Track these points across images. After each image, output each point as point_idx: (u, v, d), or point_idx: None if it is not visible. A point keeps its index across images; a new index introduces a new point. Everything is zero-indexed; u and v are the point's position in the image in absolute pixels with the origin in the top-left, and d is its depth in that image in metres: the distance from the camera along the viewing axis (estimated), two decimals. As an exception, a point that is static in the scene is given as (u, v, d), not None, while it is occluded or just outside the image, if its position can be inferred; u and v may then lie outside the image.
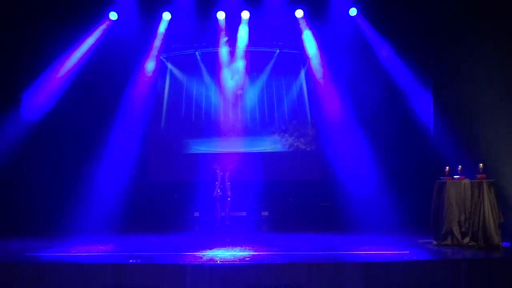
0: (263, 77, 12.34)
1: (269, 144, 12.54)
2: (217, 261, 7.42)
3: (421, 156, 11.10)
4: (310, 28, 11.75)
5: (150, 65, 11.86)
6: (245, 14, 11.62)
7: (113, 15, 11.42)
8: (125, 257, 7.74)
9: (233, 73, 11.98)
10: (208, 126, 12.50)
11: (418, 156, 11.17)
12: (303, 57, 12.00)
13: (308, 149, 12.55)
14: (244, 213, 12.17)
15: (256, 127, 12.53)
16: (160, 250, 8.49)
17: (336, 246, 8.76)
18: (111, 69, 11.51)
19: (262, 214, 12.23)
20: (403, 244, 8.78)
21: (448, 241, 8.62)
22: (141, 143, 12.00)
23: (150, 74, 11.85)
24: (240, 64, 11.94)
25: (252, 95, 12.26)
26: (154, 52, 11.82)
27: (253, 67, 12.11)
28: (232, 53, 11.95)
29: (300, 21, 11.76)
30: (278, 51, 12.31)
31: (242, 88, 12.12)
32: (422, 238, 9.24)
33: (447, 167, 8.97)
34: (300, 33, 11.80)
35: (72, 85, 11.30)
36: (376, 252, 8.16)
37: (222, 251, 8.23)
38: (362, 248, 8.50)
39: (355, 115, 11.57)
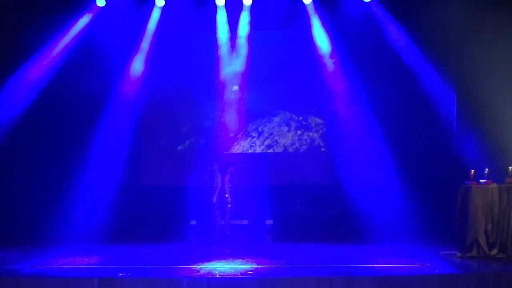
0: (268, 67, 12.33)
1: (272, 143, 12.57)
2: (216, 275, 7.43)
3: (444, 158, 11.09)
4: (319, 16, 11.75)
5: (141, 58, 11.85)
6: (247, 0, 11.63)
7: (100, 1, 11.41)
8: (114, 271, 7.73)
9: (233, 65, 11.99)
10: (206, 124, 12.51)
11: (441, 158, 11.15)
12: (311, 47, 11.97)
13: (317, 149, 12.55)
14: (246, 221, 12.17)
15: (258, 123, 12.55)
16: (152, 263, 8.51)
17: (348, 258, 8.77)
18: (99, 63, 11.49)
19: (266, 223, 12.22)
20: (424, 256, 8.78)
21: (474, 253, 8.60)
22: (131, 144, 12.01)
23: (141, 68, 11.84)
24: (240, 54, 11.94)
25: (254, 87, 12.26)
26: (146, 42, 11.81)
27: (256, 57, 12.10)
28: (232, 43, 11.96)
29: (308, 8, 11.75)
30: (283, 40, 12.32)
31: (238, 84, 12.12)
32: (444, 249, 9.24)
33: (473, 171, 8.95)
34: (308, 20, 11.80)
35: (54, 81, 11.30)
36: (393, 264, 8.17)
37: (222, 263, 8.24)
38: (377, 260, 8.51)
39: (370, 112, 11.56)
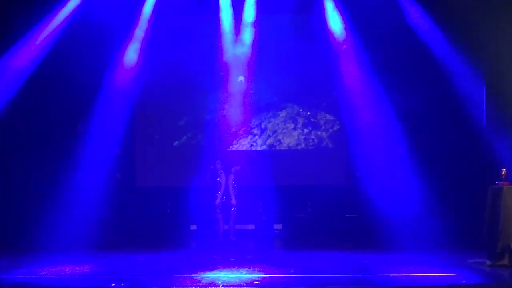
0: (276, 55, 12.29)
1: (274, 143, 12.57)
2: (219, 285, 7.41)
3: (472, 156, 11.08)
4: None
5: (135, 45, 11.84)
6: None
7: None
8: (106, 281, 7.73)
9: (237, 53, 11.98)
10: (206, 117, 12.52)
11: (468, 156, 11.15)
12: (324, 33, 11.94)
13: (331, 146, 12.53)
14: (252, 226, 12.17)
15: (262, 118, 12.54)
16: (149, 272, 8.51)
17: (366, 267, 8.75)
18: (89, 51, 11.52)
19: (274, 227, 12.22)
20: (449, 264, 8.75)
21: (505, 261, 8.56)
22: (125, 140, 12.01)
23: (135, 57, 11.83)
24: (245, 41, 11.93)
25: (260, 77, 12.24)
26: (141, 28, 11.80)
27: (262, 44, 12.07)
28: (237, 28, 11.94)
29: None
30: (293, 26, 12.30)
31: (244, 74, 12.11)
32: (472, 257, 9.21)
33: (504, 170, 8.93)
34: (321, 3, 11.77)
35: (39, 71, 11.27)
36: (415, 274, 8.14)
37: (225, 273, 8.24)
38: (398, 269, 8.49)
39: (389, 106, 11.53)
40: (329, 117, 12.61)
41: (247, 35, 11.91)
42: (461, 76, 11.28)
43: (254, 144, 12.64)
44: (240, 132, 12.52)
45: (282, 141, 12.62)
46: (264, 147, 12.62)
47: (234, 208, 11.13)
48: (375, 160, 11.50)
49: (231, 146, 12.54)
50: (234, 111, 12.25)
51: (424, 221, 10.66)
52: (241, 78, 12.08)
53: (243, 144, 12.62)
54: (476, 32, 10.85)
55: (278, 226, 12.21)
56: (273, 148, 12.61)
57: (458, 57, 11.18)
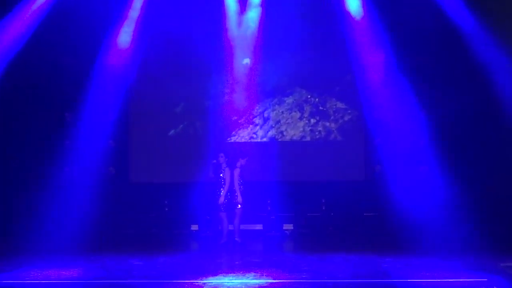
0: (284, 35, 12.26)
1: (276, 134, 12.56)
2: (223, 292, 7.41)
3: (504, 153, 11.03)
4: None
5: (129, 25, 11.83)
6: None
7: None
8: (98, 287, 7.73)
9: (242, 32, 11.97)
10: (208, 105, 12.52)
11: (500, 153, 11.14)
12: (339, 11, 11.90)
13: (339, 139, 12.50)
14: (259, 226, 12.16)
15: (267, 105, 12.52)
16: (146, 277, 8.49)
17: (387, 272, 8.72)
18: (78, 32, 11.54)
19: (284, 228, 12.22)
20: (479, 269, 8.72)
21: (541, 265, 8.57)
22: (117, 132, 12.02)
23: (129, 38, 11.83)
24: (252, 19, 11.91)
25: (267, 58, 12.23)
26: (135, 6, 11.79)
27: (270, 22, 12.03)
28: (242, 6, 11.93)
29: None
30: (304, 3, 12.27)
31: (250, 56, 12.10)
32: (504, 261, 9.18)
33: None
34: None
35: (23, 55, 11.25)
36: (442, 280, 8.11)
37: (230, 278, 8.22)
38: (422, 274, 8.46)
39: (411, 92, 11.50)
40: (340, 105, 12.58)
41: (254, 13, 11.90)
42: (492, 58, 11.22)
43: (254, 135, 12.61)
44: (241, 121, 12.50)
45: (284, 132, 12.59)
46: (265, 139, 12.59)
47: (239, 206, 11.11)
48: (397, 154, 11.47)
49: (229, 138, 12.54)
50: (237, 96, 12.23)
51: (451, 222, 10.62)
52: (246, 60, 12.07)
53: (242, 136, 12.60)
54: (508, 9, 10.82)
55: (288, 226, 12.22)
56: (275, 140, 12.59)
57: (489, 37, 11.13)
